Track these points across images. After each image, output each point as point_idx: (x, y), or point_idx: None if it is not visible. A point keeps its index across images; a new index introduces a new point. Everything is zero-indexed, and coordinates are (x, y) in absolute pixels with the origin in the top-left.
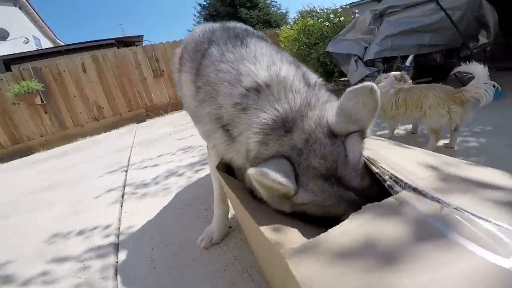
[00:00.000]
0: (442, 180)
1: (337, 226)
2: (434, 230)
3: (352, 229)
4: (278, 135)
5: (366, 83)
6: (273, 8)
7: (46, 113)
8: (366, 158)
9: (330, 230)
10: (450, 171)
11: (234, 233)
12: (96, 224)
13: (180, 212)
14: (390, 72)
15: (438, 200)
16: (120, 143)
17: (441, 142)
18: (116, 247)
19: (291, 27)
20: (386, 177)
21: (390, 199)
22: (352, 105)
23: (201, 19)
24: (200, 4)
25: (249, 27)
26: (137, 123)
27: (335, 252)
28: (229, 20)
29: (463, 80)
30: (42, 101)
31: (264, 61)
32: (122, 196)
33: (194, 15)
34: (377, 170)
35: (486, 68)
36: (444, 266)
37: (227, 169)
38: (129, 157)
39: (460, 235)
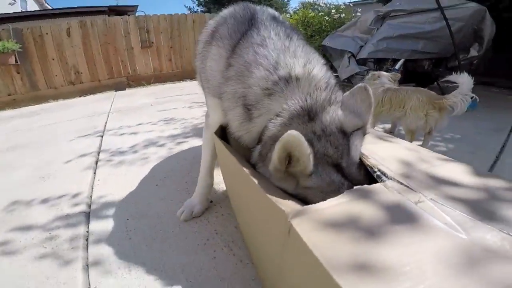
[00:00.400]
0: (412, 179)
1: (324, 202)
2: (412, 213)
3: (339, 204)
4: (303, 120)
5: (360, 84)
6: None
7: (18, 73)
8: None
9: (318, 204)
10: (422, 168)
11: (215, 208)
12: (65, 191)
13: (159, 183)
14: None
15: (413, 189)
16: (96, 108)
17: (415, 143)
18: (87, 216)
19: (291, 16)
20: (375, 169)
21: (377, 184)
22: (353, 103)
23: None
24: None
25: (281, 17)
26: (115, 91)
27: (325, 222)
28: (230, 0)
29: (445, 89)
30: (16, 61)
31: (302, 58)
32: (96, 162)
33: None
34: (368, 163)
35: (472, 81)
36: (421, 241)
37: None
38: (106, 123)
39: (433, 217)
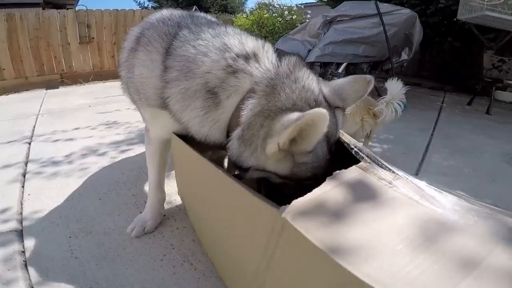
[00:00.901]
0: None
1: (310, 194)
2: (387, 190)
3: (324, 193)
4: (290, 87)
5: (367, 76)
6: None
7: None
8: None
9: (306, 196)
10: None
11: (169, 221)
12: None
13: (102, 197)
14: (325, 76)
15: (389, 168)
16: (21, 109)
17: None
18: (19, 234)
19: (247, 16)
20: (352, 146)
21: (355, 166)
22: (347, 87)
23: None
24: None
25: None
26: (46, 89)
27: (300, 211)
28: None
29: (380, 90)
30: None
31: (248, 36)
32: (24, 174)
33: None
34: (346, 140)
35: (401, 86)
36: (395, 213)
37: None
38: (34, 127)
39: (407, 190)
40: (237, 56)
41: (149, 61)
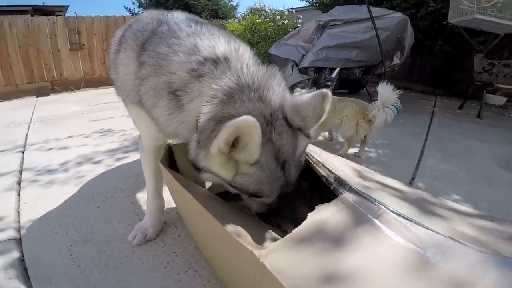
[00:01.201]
0: (367, 181)
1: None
2: (368, 224)
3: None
4: (248, 97)
5: (324, 90)
6: (223, 0)
7: None
8: (315, 162)
9: (286, 237)
10: (368, 176)
11: (170, 229)
12: None
13: (100, 205)
14: (319, 81)
15: (371, 200)
16: (12, 117)
17: (352, 150)
18: (19, 242)
19: (239, 21)
20: (331, 180)
21: (336, 200)
22: (305, 105)
23: None
24: None
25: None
26: (37, 97)
27: (295, 241)
28: (174, 5)
29: (372, 95)
30: None
31: (222, 38)
32: (19, 183)
33: None
34: (323, 174)
35: (392, 91)
36: (373, 248)
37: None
38: (26, 135)
39: (386, 226)
40: (205, 60)
41: (126, 58)
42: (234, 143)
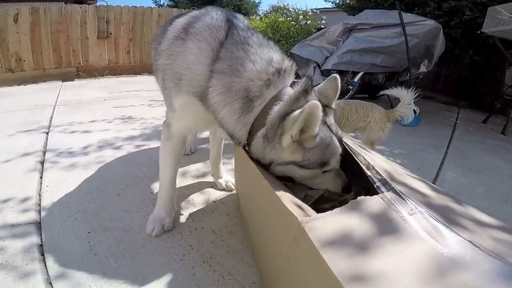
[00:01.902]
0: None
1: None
2: (404, 225)
3: (341, 214)
4: (302, 97)
5: (333, 75)
6: None
7: None
8: (363, 163)
9: (327, 213)
10: (400, 179)
11: (187, 221)
12: (6, 197)
13: (120, 192)
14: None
15: (409, 201)
16: (39, 100)
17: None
18: (38, 227)
19: (261, 19)
20: (376, 180)
21: (377, 196)
22: (324, 88)
23: None
24: None
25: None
26: (62, 82)
27: (325, 241)
28: None
29: (393, 101)
30: None
31: (282, 54)
32: (42, 163)
33: None
34: (369, 174)
35: (411, 93)
36: (405, 250)
37: None
38: (51, 117)
39: (421, 228)
40: (276, 71)
41: (198, 49)
42: (303, 129)
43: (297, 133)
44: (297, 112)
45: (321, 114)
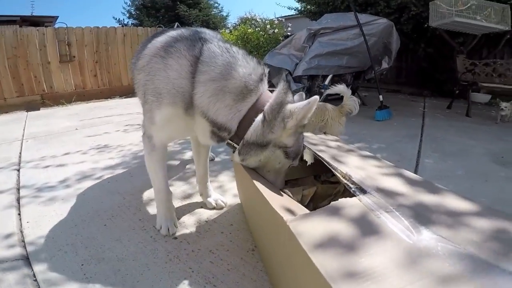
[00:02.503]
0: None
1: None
2: (380, 224)
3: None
4: (289, 92)
5: (314, 97)
6: (214, 10)
7: None
8: (336, 171)
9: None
10: (374, 184)
11: (182, 244)
12: None
13: (107, 223)
14: (313, 89)
15: (384, 201)
16: (4, 134)
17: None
18: (27, 262)
19: (231, 32)
20: (352, 186)
21: (355, 198)
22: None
23: (132, 8)
24: None
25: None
26: (27, 111)
27: (315, 243)
28: (165, 16)
29: (363, 99)
30: None
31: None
32: (18, 200)
33: (125, 3)
34: (345, 182)
35: (349, 88)
36: (388, 250)
37: None
38: (20, 153)
39: (396, 227)
40: (262, 73)
41: (178, 65)
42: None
43: (302, 119)
44: (304, 102)
45: (314, 108)
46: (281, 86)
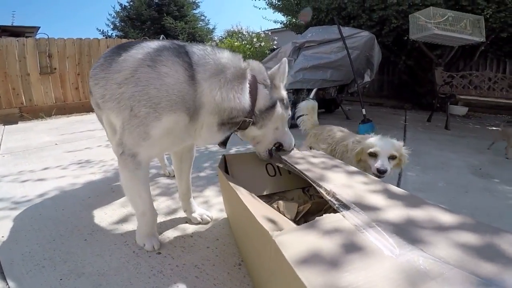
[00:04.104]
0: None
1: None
2: (363, 240)
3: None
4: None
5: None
6: (201, 23)
7: None
8: (321, 188)
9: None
10: (359, 200)
11: (167, 259)
12: None
13: (87, 237)
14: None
15: (367, 217)
16: None
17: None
18: (2, 276)
19: (217, 44)
20: (335, 202)
21: (339, 214)
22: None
23: (117, 19)
24: (120, 4)
25: None
26: (4, 125)
27: (300, 258)
28: (151, 28)
29: (347, 113)
30: None
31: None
32: None
33: (110, 14)
34: (329, 198)
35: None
36: (371, 264)
37: None
38: None
39: (379, 242)
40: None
41: (174, 71)
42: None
43: (283, 74)
44: (277, 65)
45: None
46: (257, 63)
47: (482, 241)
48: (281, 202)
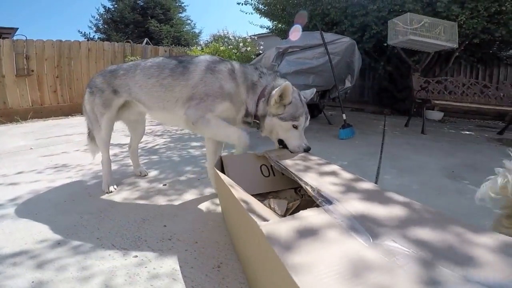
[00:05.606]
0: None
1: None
2: (340, 230)
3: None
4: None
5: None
6: (187, 27)
7: None
8: (308, 184)
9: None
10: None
11: (143, 262)
12: None
13: (61, 242)
14: None
15: (347, 211)
16: None
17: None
18: None
19: (202, 49)
20: (318, 197)
21: (321, 208)
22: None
23: (100, 22)
24: (104, 7)
25: None
26: None
27: (283, 244)
28: (134, 31)
29: (329, 118)
30: None
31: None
32: None
33: (93, 17)
34: (313, 194)
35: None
36: (343, 249)
37: None
38: None
39: (355, 232)
40: (261, 73)
41: (229, 76)
42: (282, 97)
43: (277, 98)
44: (276, 89)
45: (290, 90)
46: (271, 77)
47: (454, 233)
48: (272, 199)
